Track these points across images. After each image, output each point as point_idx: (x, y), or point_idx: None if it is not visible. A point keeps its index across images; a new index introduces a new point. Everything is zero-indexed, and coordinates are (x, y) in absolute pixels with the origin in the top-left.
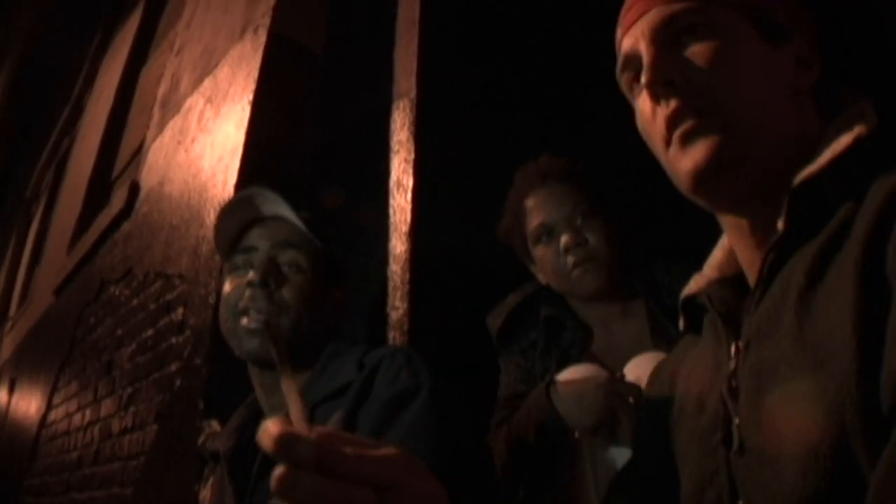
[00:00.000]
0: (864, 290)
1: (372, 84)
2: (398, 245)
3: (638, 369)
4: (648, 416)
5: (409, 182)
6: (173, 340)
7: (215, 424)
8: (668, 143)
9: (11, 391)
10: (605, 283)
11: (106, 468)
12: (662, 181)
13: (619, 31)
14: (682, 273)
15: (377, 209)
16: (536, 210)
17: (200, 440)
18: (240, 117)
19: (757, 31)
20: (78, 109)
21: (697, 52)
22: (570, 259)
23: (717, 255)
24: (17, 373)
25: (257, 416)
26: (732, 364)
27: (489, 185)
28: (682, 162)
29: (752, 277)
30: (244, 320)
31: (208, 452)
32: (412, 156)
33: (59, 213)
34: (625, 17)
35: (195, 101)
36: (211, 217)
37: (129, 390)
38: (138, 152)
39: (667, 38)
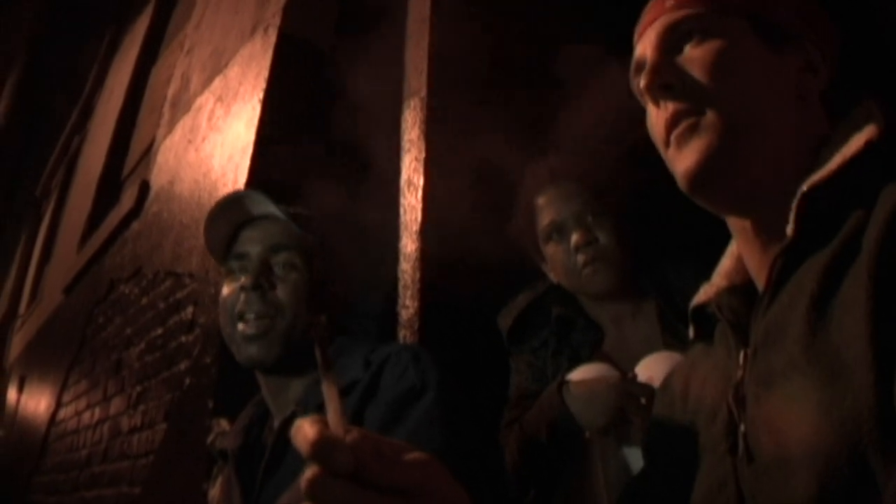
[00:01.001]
0: (878, 301)
1: (382, 83)
2: (409, 244)
3: (650, 369)
4: (659, 427)
5: (419, 181)
6: (182, 339)
7: (224, 423)
8: (667, 144)
9: (21, 389)
10: (616, 282)
11: (115, 466)
12: (672, 181)
13: (635, 38)
14: (693, 274)
15: (388, 208)
16: (547, 208)
17: (209, 439)
18: (250, 116)
19: (759, 38)
20: (88, 108)
21: (696, 57)
22: (581, 257)
23: (725, 263)
24: (26, 371)
25: (265, 416)
26: (740, 372)
27: (500, 184)
28: (679, 162)
29: (760, 283)
30: (241, 326)
31: (217, 451)
32: (423, 155)
33: (70, 211)
34: (639, 26)
35: (205, 100)
36: None
37: (139, 389)
38: (148, 151)
39: (670, 43)
